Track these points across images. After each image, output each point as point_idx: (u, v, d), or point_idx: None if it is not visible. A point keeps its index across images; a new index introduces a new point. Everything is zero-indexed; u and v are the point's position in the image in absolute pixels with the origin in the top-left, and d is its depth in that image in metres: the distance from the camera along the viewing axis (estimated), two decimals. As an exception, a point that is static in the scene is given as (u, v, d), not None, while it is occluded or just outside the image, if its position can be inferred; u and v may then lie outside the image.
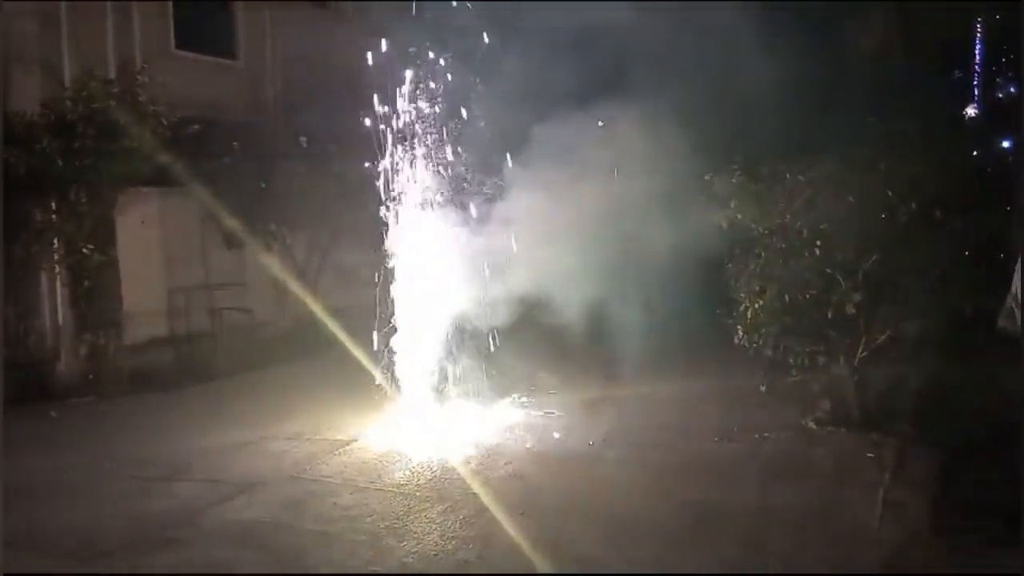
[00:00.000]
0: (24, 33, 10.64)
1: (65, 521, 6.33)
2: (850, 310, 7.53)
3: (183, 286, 12.31)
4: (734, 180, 7.88)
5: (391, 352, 8.61)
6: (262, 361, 11.46)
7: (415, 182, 8.68)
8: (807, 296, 7.65)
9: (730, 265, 8.03)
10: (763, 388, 7.97)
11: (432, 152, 8.74)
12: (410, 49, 8.73)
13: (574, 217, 8.52)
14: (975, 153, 10.94)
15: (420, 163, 8.71)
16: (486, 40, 8.99)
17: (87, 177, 10.38)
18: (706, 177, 8.04)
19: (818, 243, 7.63)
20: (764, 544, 5.62)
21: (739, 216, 7.91)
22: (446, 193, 8.75)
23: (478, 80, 9.33)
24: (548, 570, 5.30)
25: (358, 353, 9.01)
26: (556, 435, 8.18)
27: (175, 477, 7.23)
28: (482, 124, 9.17)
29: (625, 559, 5.47)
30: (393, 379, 8.66)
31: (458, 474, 7.08)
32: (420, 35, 8.80)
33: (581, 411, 8.87)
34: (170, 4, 12.54)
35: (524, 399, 9.30)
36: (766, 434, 7.81)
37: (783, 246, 7.81)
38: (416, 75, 8.70)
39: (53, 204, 10.47)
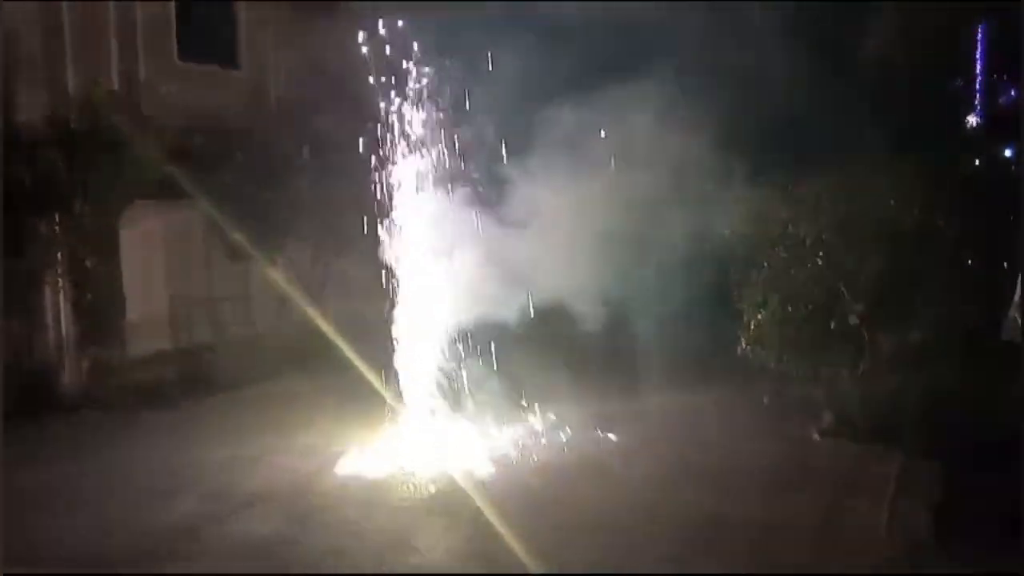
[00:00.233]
0: (28, 45, 10.67)
1: (67, 533, 6.33)
2: (853, 321, 7.54)
3: (187, 298, 12.32)
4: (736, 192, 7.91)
5: (396, 364, 8.59)
6: (266, 374, 11.42)
7: (420, 191, 8.67)
8: (810, 307, 7.66)
9: (734, 275, 8.06)
10: (766, 400, 7.97)
11: (438, 157, 8.72)
12: (415, 52, 8.67)
13: (580, 226, 8.52)
14: (977, 161, 10.93)
15: (425, 169, 8.68)
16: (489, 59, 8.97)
17: (91, 189, 10.39)
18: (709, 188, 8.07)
19: (820, 253, 7.64)
20: (772, 555, 5.62)
21: (741, 226, 7.93)
22: (451, 202, 8.73)
23: (484, 87, 9.26)
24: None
25: (363, 365, 9.01)
26: (563, 448, 8.17)
27: (179, 491, 7.20)
28: (489, 129, 9.13)
29: (632, 572, 5.46)
30: (398, 392, 8.64)
31: (463, 489, 7.06)
32: (427, 37, 8.74)
33: (587, 423, 8.84)
34: (174, 14, 12.58)
35: (531, 411, 9.28)
36: (771, 446, 7.80)
37: (785, 256, 7.83)
38: (421, 79, 8.67)
39: (57, 216, 10.48)
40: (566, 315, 8.90)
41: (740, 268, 8.04)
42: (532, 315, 8.71)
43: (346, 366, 9.28)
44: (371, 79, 8.68)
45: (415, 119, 8.72)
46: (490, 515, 6.39)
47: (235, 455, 8.09)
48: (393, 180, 8.73)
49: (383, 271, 8.76)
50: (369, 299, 9.00)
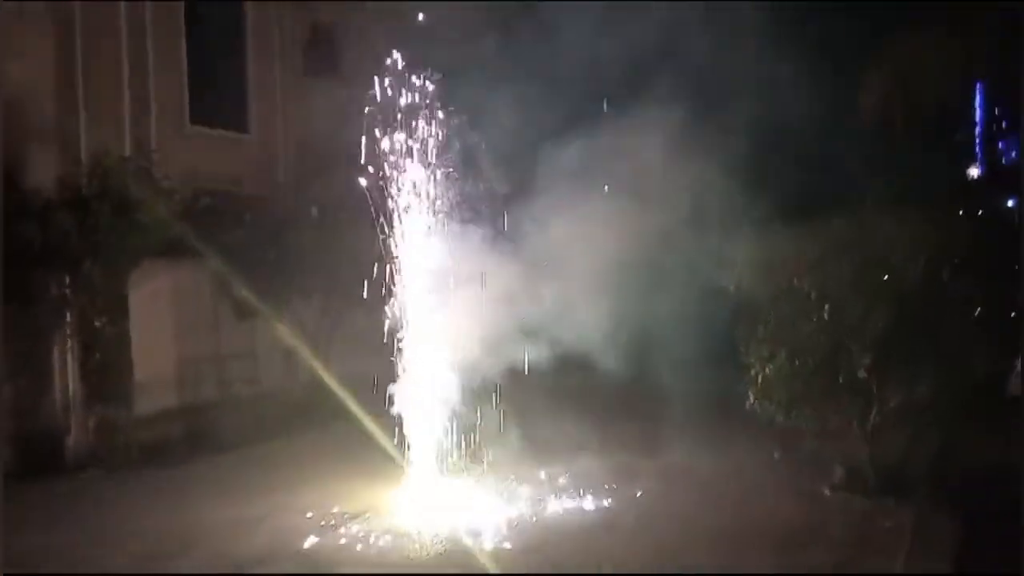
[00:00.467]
0: (43, 108, 10.92)
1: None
2: (861, 374, 7.51)
3: (194, 357, 12.35)
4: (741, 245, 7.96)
5: (403, 421, 8.55)
6: (273, 432, 11.36)
7: (425, 253, 8.73)
8: (817, 360, 7.63)
9: (739, 330, 8.05)
10: (777, 455, 7.90)
11: (447, 208, 8.79)
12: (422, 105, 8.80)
13: (585, 282, 8.57)
14: (979, 212, 11.01)
15: (432, 222, 8.76)
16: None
17: (101, 252, 10.50)
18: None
19: (826, 306, 7.64)
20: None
21: (746, 280, 7.95)
22: (456, 261, 8.77)
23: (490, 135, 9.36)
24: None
25: (370, 423, 8.97)
26: (573, 504, 8.09)
27: (182, 552, 7.12)
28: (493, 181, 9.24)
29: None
30: (406, 449, 8.58)
31: (470, 548, 6.96)
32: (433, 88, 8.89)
33: (597, 479, 8.75)
34: (186, 80, 12.87)
35: (542, 467, 9.19)
36: (783, 501, 7.71)
37: (790, 310, 7.83)
38: (428, 131, 8.79)
39: (67, 278, 10.59)
40: (575, 367, 8.89)
41: (746, 322, 8.03)
42: (543, 366, 8.70)
43: (353, 423, 9.25)
44: (377, 134, 8.79)
45: (421, 173, 8.83)
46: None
47: (240, 515, 7.99)
48: (399, 233, 8.78)
49: (390, 325, 8.77)
50: (377, 353, 8.98)
